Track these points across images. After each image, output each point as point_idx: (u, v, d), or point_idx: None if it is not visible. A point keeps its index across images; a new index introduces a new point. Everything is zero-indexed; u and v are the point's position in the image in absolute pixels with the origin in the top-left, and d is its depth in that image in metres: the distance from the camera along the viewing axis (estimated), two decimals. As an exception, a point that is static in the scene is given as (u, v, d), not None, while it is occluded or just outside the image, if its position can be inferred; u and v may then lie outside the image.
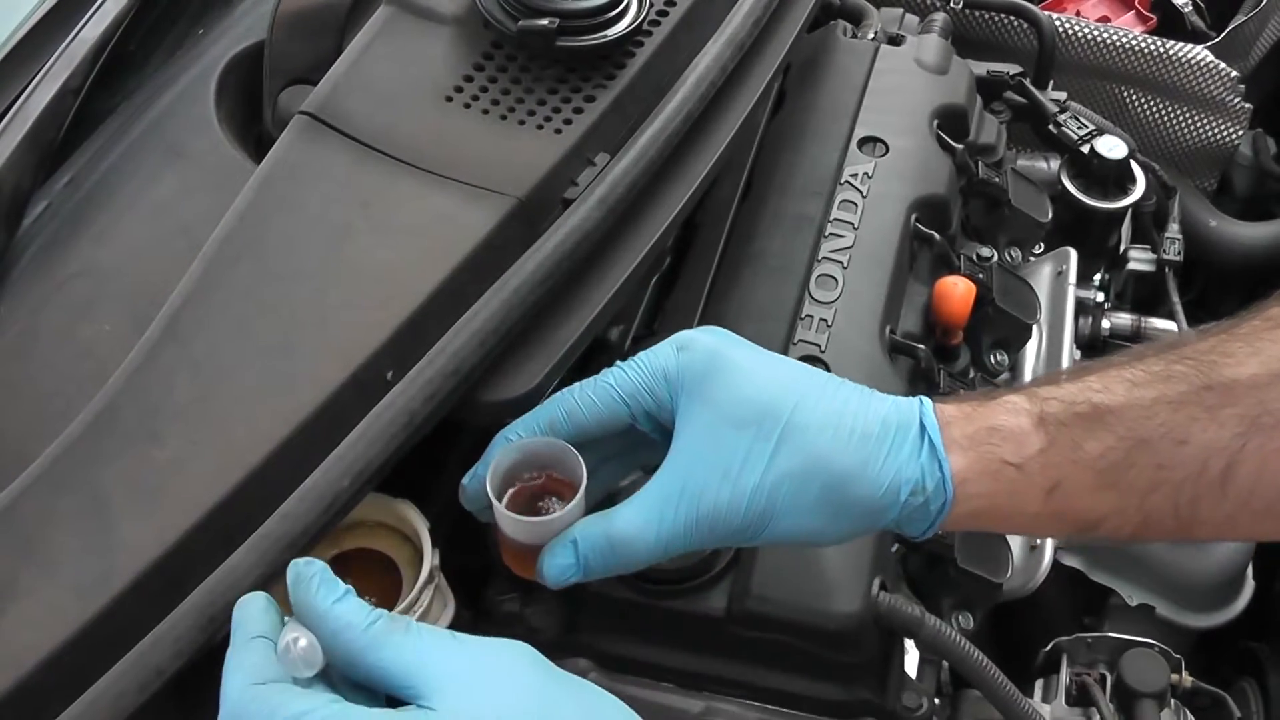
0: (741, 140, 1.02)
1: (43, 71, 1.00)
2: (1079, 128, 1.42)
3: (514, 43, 0.93)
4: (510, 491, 0.75)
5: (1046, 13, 1.59)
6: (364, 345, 0.77)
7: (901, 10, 1.40)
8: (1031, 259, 1.34)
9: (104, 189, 0.97)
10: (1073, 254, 1.35)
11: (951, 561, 0.94)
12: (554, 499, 0.75)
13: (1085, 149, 1.41)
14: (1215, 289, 1.76)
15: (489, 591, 0.88)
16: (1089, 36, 1.66)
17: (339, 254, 0.83)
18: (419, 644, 0.61)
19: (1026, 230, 1.27)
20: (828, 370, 0.96)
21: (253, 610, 0.63)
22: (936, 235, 1.12)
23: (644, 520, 0.71)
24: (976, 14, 1.64)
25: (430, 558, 0.78)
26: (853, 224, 1.08)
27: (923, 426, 0.73)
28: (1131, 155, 1.41)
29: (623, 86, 0.94)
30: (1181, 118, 1.69)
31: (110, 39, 1.05)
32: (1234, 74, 1.64)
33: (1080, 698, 1.07)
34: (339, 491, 0.72)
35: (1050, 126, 1.42)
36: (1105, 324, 1.40)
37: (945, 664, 0.97)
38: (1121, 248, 1.51)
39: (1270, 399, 0.69)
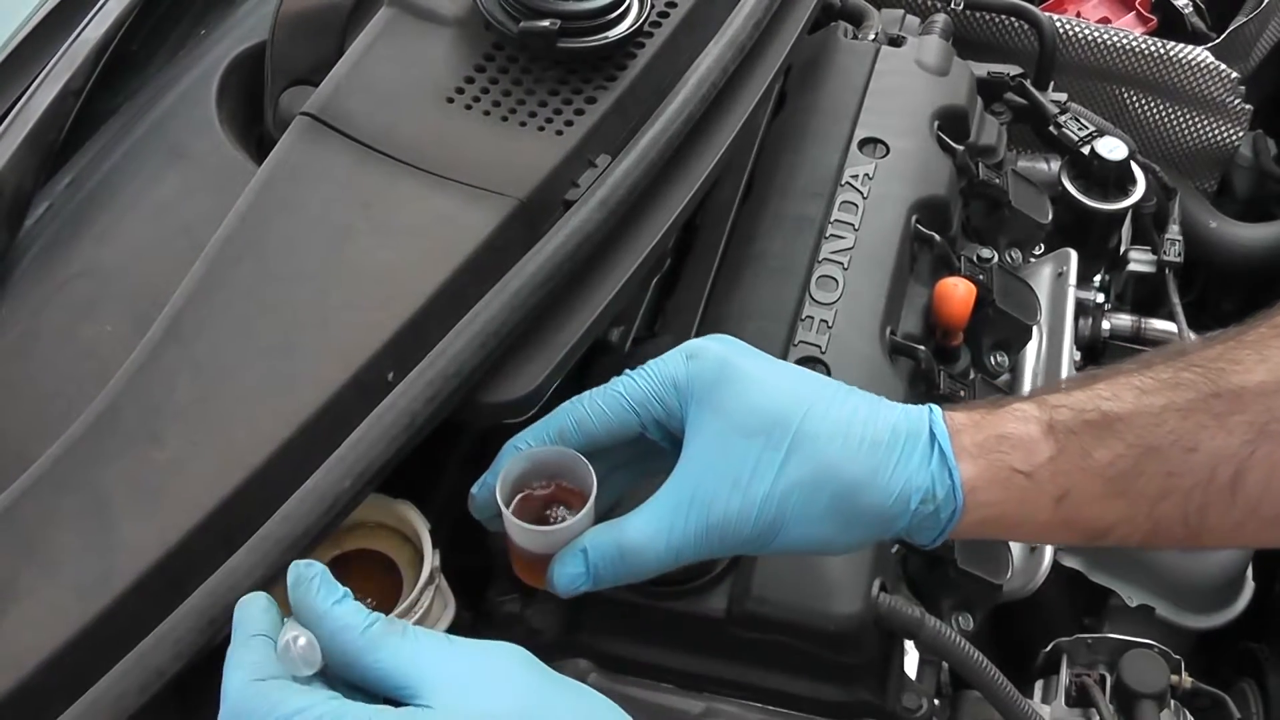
0: (742, 142, 1.02)
1: (44, 72, 1.01)
2: (1079, 129, 1.42)
3: (515, 44, 0.93)
4: (519, 500, 0.75)
5: (1047, 14, 1.59)
6: (365, 346, 0.78)
7: (902, 11, 1.40)
8: (1032, 260, 1.34)
9: (106, 190, 0.97)
10: (1073, 255, 1.35)
11: (951, 563, 0.94)
12: (563, 508, 0.75)
13: (1086, 150, 1.41)
14: (1215, 290, 1.76)
15: (490, 592, 0.88)
16: (1089, 38, 1.66)
17: (340, 255, 0.83)
18: (415, 646, 0.61)
19: (1027, 231, 1.27)
20: (828, 371, 0.96)
21: (253, 609, 0.64)
22: (937, 236, 1.12)
23: (654, 529, 0.71)
24: (977, 15, 1.64)
25: (431, 559, 0.78)
26: (853, 225, 1.08)
27: (932, 434, 0.73)
28: (1132, 156, 1.41)
29: (624, 88, 0.94)
30: (1182, 119, 1.69)
31: (112, 39, 1.05)
32: (1234, 75, 1.64)
33: (1080, 699, 1.07)
34: (340, 493, 0.72)
35: (1051, 128, 1.43)
36: (1105, 325, 1.40)
37: (945, 665, 0.97)
38: (1122, 249, 1.51)
39: (1279, 406, 0.69)
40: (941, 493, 0.72)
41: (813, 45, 1.27)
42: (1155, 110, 1.70)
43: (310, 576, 0.63)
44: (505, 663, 0.63)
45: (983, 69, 1.40)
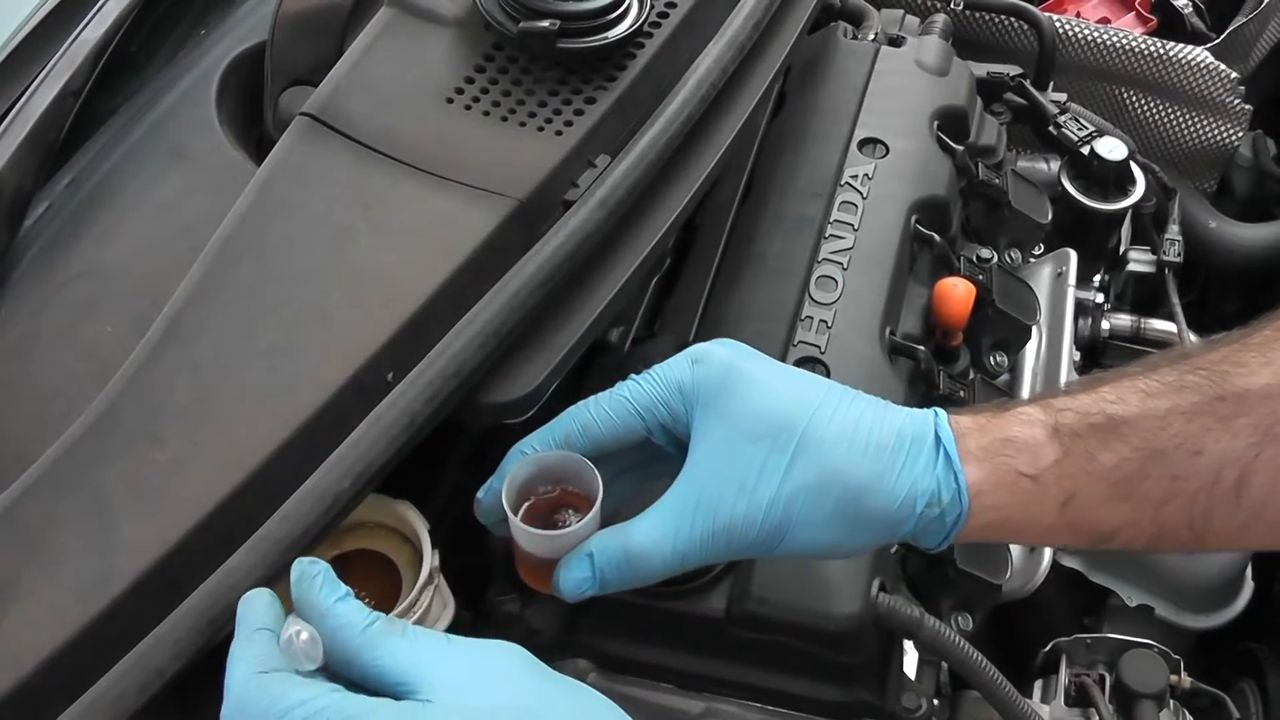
0: (742, 142, 1.02)
1: (44, 72, 1.00)
2: (1079, 129, 1.42)
3: (515, 44, 0.93)
4: (525, 505, 0.75)
5: (1047, 14, 1.60)
6: (365, 346, 0.78)
7: (902, 12, 1.40)
8: (1031, 260, 1.34)
9: (105, 190, 0.97)
10: (1072, 255, 1.35)
11: (951, 563, 0.94)
12: (569, 511, 0.75)
13: (1085, 150, 1.41)
14: (1215, 290, 1.76)
15: (489, 592, 0.89)
16: (1089, 38, 1.66)
17: (340, 255, 0.83)
18: (415, 645, 0.62)
19: (1026, 231, 1.27)
20: (827, 372, 0.96)
21: (257, 605, 0.64)
22: (936, 237, 1.12)
23: (660, 533, 0.72)
24: (977, 15, 1.64)
25: (430, 559, 0.78)
26: (853, 225, 1.08)
27: (938, 438, 0.73)
28: (1131, 157, 1.41)
29: (623, 88, 0.94)
30: (1181, 119, 1.69)
31: (112, 40, 1.05)
32: (1234, 75, 1.64)
33: (1079, 698, 1.07)
34: (339, 493, 0.72)
35: (1050, 128, 1.43)
36: (1105, 325, 1.40)
37: (944, 665, 0.97)
38: (1121, 249, 1.51)
39: None
40: (947, 497, 0.72)
41: (812, 45, 1.27)
42: (1155, 110, 1.70)
43: (314, 574, 0.63)
44: (504, 660, 0.63)
45: (982, 69, 1.40)
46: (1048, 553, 1.14)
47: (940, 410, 0.75)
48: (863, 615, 0.85)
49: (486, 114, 0.91)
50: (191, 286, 0.81)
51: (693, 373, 0.75)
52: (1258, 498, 0.70)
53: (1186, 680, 1.11)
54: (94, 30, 1.04)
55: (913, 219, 1.11)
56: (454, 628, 0.81)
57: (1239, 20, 1.72)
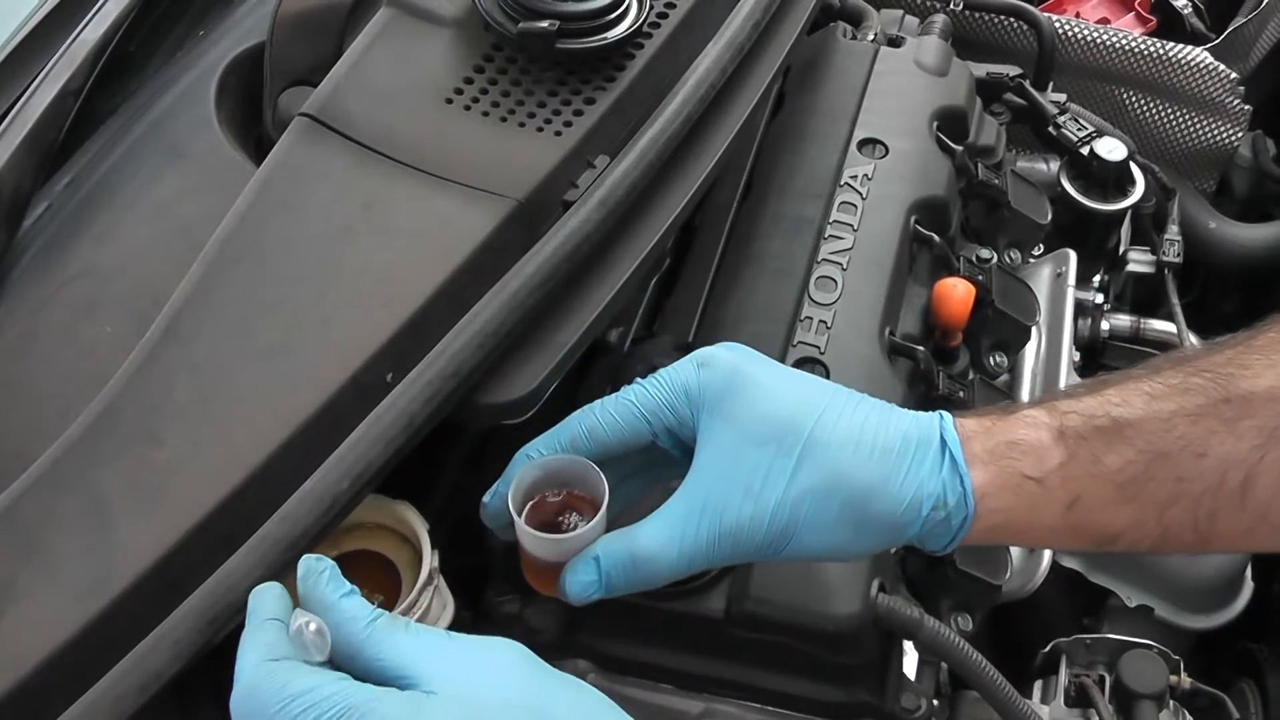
0: (741, 142, 1.02)
1: (43, 73, 1.00)
2: (1078, 129, 1.42)
3: (514, 45, 0.93)
4: (531, 508, 0.75)
5: (1046, 14, 1.59)
6: (364, 347, 0.78)
7: (901, 12, 1.41)
8: (1031, 260, 1.34)
9: (104, 190, 0.97)
10: (1072, 255, 1.35)
11: (950, 563, 0.94)
12: (575, 515, 0.75)
13: (1085, 151, 1.41)
14: (1215, 291, 1.76)
15: (488, 592, 0.89)
16: (1088, 38, 1.66)
17: (339, 256, 0.83)
18: (417, 641, 0.62)
19: (1026, 232, 1.27)
20: (826, 372, 0.96)
21: (268, 597, 0.65)
22: (936, 237, 1.12)
23: (666, 537, 0.72)
24: (976, 16, 1.64)
25: (429, 559, 0.78)
26: (852, 226, 1.08)
27: (943, 441, 0.73)
28: (1131, 157, 1.41)
29: (623, 89, 0.94)
30: (1181, 119, 1.70)
31: (111, 40, 1.05)
32: (1233, 76, 1.64)
33: (1079, 699, 1.07)
34: (338, 494, 0.72)
35: (1050, 128, 1.43)
36: (1104, 325, 1.40)
37: (944, 665, 0.97)
38: (1121, 249, 1.51)
39: None
40: (953, 499, 0.72)
41: (811, 46, 1.27)
42: (1154, 111, 1.70)
43: (320, 570, 0.64)
44: (505, 656, 0.63)
45: (982, 69, 1.40)
46: (1047, 553, 1.14)
47: (945, 413, 0.75)
48: (862, 616, 0.85)
49: (486, 114, 0.91)
50: (191, 286, 0.81)
51: (698, 376, 0.75)
52: (1263, 500, 0.70)
53: (1186, 681, 1.11)
54: (93, 30, 1.04)
55: (912, 219, 1.11)
56: (454, 627, 0.81)
57: (1238, 20, 1.72)
